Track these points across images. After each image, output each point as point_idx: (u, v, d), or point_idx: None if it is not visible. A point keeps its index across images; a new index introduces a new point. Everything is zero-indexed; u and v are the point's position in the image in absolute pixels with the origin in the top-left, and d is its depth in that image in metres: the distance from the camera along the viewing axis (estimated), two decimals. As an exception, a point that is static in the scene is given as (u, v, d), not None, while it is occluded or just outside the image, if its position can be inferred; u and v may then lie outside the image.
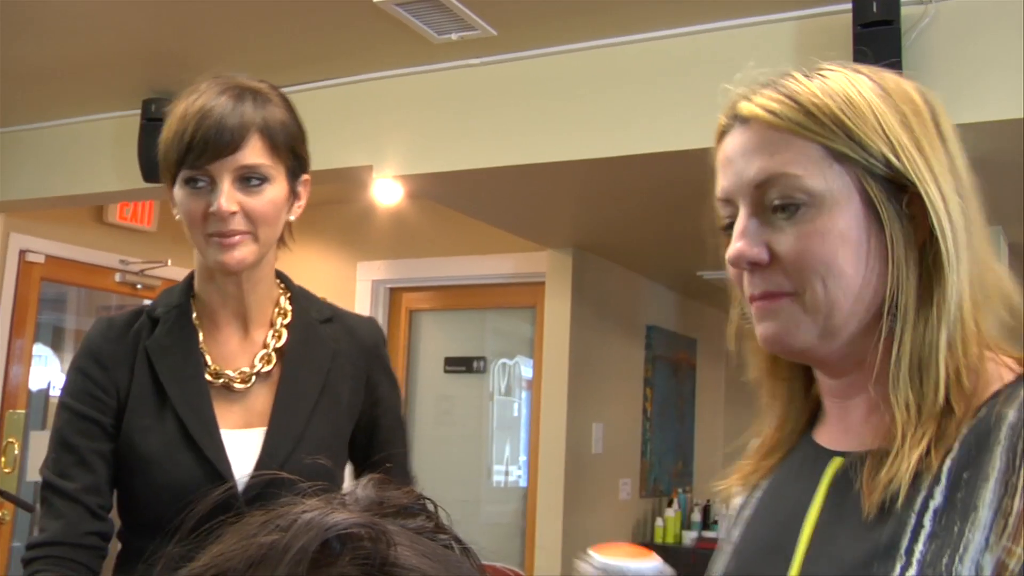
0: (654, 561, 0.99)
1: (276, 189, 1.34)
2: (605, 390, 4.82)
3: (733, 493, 1.00)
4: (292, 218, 1.40)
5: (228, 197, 1.29)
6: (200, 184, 1.31)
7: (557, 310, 4.54)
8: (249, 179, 1.31)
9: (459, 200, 3.77)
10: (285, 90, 1.44)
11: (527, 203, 3.82)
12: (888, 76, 0.86)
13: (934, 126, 0.84)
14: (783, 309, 0.84)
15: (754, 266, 0.85)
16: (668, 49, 2.92)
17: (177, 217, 1.38)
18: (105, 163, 3.85)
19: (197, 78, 1.38)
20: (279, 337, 1.41)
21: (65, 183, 3.97)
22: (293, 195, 1.39)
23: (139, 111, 3.54)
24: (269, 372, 1.40)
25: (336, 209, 5.03)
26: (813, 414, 0.95)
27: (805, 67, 0.87)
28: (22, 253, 4.62)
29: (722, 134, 0.88)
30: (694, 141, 2.85)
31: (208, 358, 1.38)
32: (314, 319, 1.45)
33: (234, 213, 1.30)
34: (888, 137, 0.81)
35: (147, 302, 1.49)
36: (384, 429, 1.52)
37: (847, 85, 0.84)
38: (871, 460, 0.80)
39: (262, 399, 1.38)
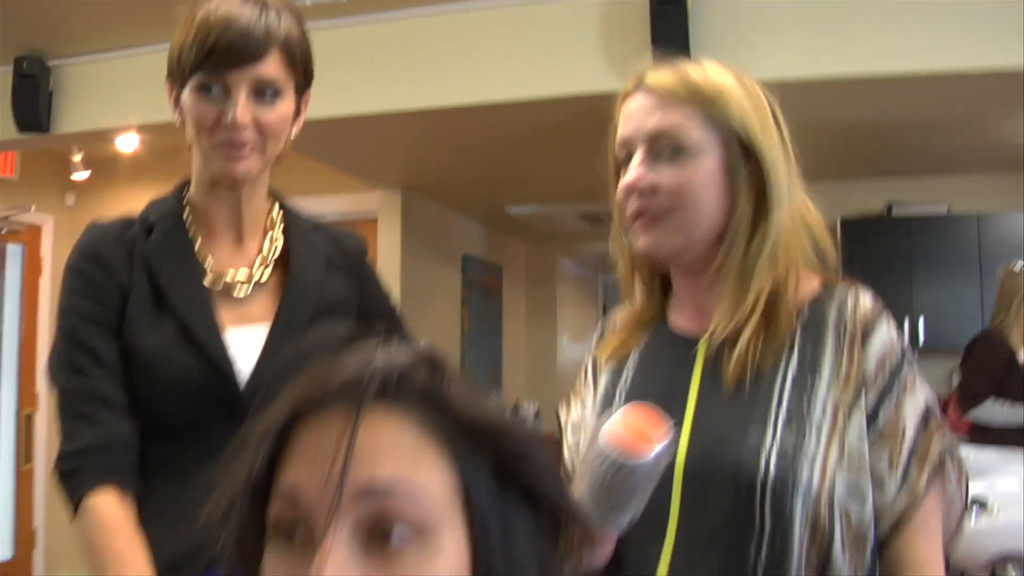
0: (658, 445, 0.93)
1: (287, 104, 1.33)
2: (431, 313, 5.48)
3: (605, 360, 1.21)
4: (293, 134, 1.39)
5: (243, 108, 1.26)
6: (214, 91, 1.27)
7: (388, 243, 5.11)
8: (263, 92, 1.29)
9: (302, 144, 4.17)
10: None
11: (362, 148, 4.31)
12: (747, 78, 1.12)
13: (771, 115, 1.10)
14: (659, 227, 1.09)
15: (641, 193, 1.08)
16: (486, 17, 3.44)
17: (178, 123, 1.36)
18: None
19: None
20: (274, 245, 1.40)
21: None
22: (296, 112, 1.37)
23: (8, 68, 3.74)
24: (266, 281, 1.38)
25: (174, 157, 5.23)
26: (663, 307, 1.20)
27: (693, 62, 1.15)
28: None
29: (626, 96, 1.13)
30: (503, 95, 3.43)
31: (207, 263, 1.35)
32: (305, 227, 1.45)
33: (248, 125, 1.28)
34: (743, 116, 1.07)
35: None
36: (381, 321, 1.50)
37: (721, 76, 1.10)
38: (726, 348, 1.05)
39: (259, 306, 1.36)
